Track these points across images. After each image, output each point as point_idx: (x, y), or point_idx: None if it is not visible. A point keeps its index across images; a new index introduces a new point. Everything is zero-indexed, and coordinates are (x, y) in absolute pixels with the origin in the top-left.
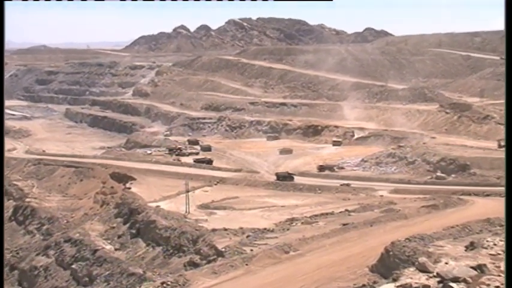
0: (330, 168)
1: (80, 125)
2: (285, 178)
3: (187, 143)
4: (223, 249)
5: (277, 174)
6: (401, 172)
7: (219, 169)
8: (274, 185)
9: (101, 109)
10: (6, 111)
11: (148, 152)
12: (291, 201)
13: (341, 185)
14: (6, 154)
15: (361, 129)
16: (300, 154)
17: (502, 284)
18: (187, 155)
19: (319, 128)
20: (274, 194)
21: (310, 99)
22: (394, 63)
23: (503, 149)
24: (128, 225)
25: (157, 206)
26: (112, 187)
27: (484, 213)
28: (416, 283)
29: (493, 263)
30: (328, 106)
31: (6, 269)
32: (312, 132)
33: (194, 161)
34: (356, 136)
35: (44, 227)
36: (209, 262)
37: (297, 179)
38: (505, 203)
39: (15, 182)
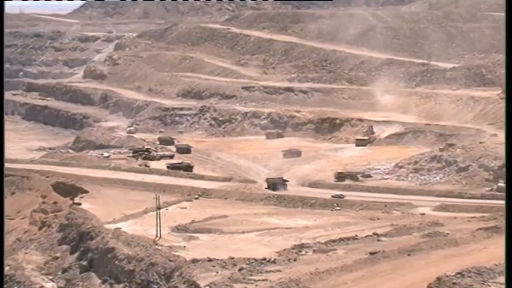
0: (352, 176)
1: (12, 118)
2: (275, 186)
3: (158, 142)
4: None
5: (268, 181)
6: (449, 182)
7: (201, 178)
8: (277, 199)
9: (40, 96)
10: None
11: (105, 154)
12: (300, 222)
13: (333, 196)
14: None
15: (395, 123)
16: (312, 157)
17: None
18: (158, 159)
19: (338, 121)
20: (277, 211)
21: (325, 82)
22: (440, 34)
23: None
24: (76, 254)
25: (118, 229)
26: (55, 203)
27: None
28: None
29: None
30: (349, 92)
31: None
32: (328, 127)
33: (168, 167)
34: (388, 133)
35: None
36: None
37: (309, 191)
38: (505, 203)
39: None
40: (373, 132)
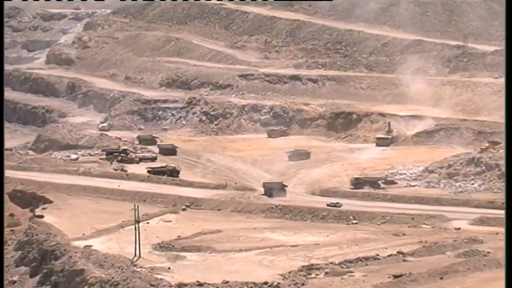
0: (373, 182)
1: None
2: (271, 192)
3: (137, 141)
4: None
5: (264, 186)
6: (490, 190)
7: (189, 184)
8: (281, 210)
9: None
10: None
11: (73, 156)
12: (309, 238)
13: (328, 205)
14: None
15: (424, 118)
16: (323, 160)
17: None
18: (138, 162)
19: (354, 116)
20: (281, 225)
21: (340, 69)
22: (479, 10)
23: None
24: (37, 278)
25: (88, 247)
26: (12, 215)
27: None
28: None
29: None
30: (368, 81)
31: None
32: (343, 123)
33: (149, 172)
34: (415, 130)
35: None
36: None
37: (320, 201)
38: (505, 203)
39: None
40: (390, 130)
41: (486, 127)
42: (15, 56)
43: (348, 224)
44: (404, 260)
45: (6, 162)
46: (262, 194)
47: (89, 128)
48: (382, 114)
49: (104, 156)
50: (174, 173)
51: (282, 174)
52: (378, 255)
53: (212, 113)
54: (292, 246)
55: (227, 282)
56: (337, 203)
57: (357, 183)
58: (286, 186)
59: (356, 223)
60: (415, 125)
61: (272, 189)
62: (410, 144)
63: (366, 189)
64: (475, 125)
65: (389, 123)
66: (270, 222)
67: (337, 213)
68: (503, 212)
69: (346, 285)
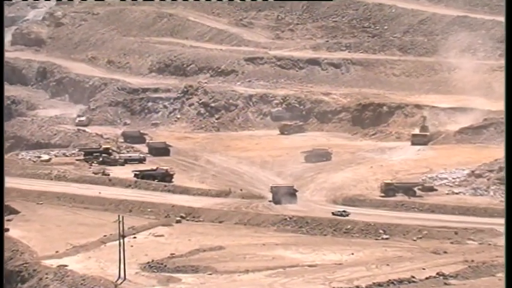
0: (407, 189)
1: None
2: (278, 198)
3: (122, 139)
4: None
5: (271, 190)
6: None
7: (185, 191)
8: (296, 222)
9: None
10: None
11: (45, 157)
12: (329, 256)
13: (333, 213)
14: None
15: (470, 111)
16: (347, 161)
17: None
18: (123, 164)
19: (385, 109)
20: (296, 240)
21: (368, 51)
22: None
23: None
24: None
25: (62, 266)
26: None
27: None
28: None
29: None
30: (402, 65)
31: None
32: (371, 117)
33: (136, 175)
34: (459, 125)
35: None
36: None
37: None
38: (505, 203)
39: None
40: (426, 126)
41: None
42: None
43: (377, 239)
44: (445, 284)
45: None
46: (270, 201)
47: (64, 122)
48: (419, 106)
49: (82, 157)
50: (166, 177)
51: (297, 179)
52: (413, 277)
53: (213, 104)
54: (310, 266)
55: None
56: (344, 211)
57: (388, 189)
58: (297, 191)
59: (387, 238)
60: (458, 119)
61: (280, 194)
62: (453, 142)
63: (399, 197)
64: None
65: (424, 117)
66: (283, 237)
67: (364, 226)
68: None
69: None
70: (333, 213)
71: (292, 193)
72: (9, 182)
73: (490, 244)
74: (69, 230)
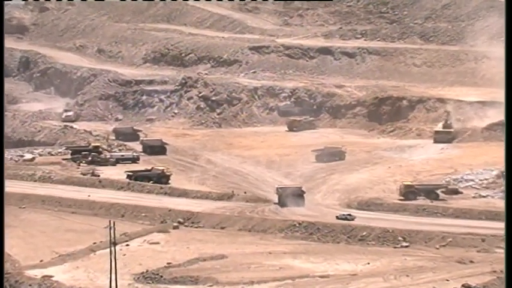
0: (429, 191)
1: None
2: (284, 200)
3: (113, 136)
4: None
5: (278, 192)
6: None
7: (183, 194)
8: (306, 228)
9: None
10: None
11: (28, 156)
12: (343, 266)
13: (338, 217)
14: None
15: (499, 105)
16: (363, 161)
17: None
18: (114, 164)
19: (405, 103)
20: (306, 248)
21: (385, 39)
22: None
23: None
24: None
25: (47, 277)
26: None
27: None
28: None
29: None
30: (424, 54)
31: None
32: (389, 112)
33: (129, 177)
34: (487, 121)
35: None
36: None
37: (358, 217)
38: (505, 203)
39: None
40: (449, 123)
41: None
42: None
43: (395, 247)
44: None
45: None
46: (275, 203)
47: (49, 118)
48: (442, 100)
49: (69, 156)
50: (162, 178)
51: (308, 180)
52: None
53: (214, 98)
54: (321, 277)
55: None
56: (349, 214)
57: (408, 192)
58: (305, 192)
59: (407, 246)
60: (486, 114)
61: (286, 196)
62: (480, 140)
63: (420, 201)
64: None
65: (448, 112)
66: (292, 245)
67: (381, 232)
68: None
69: None
70: (337, 217)
71: (299, 195)
72: None
73: None
74: (54, 237)
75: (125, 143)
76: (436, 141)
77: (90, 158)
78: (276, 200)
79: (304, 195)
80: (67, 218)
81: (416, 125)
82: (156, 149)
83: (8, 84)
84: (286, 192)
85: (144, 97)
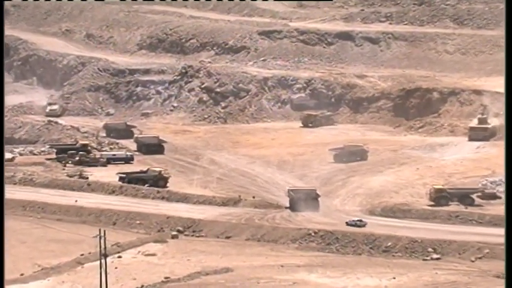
0: (463, 196)
1: None
2: (295, 203)
3: (104, 133)
4: None
5: (289, 194)
6: None
7: (183, 199)
8: (323, 238)
9: None
10: None
11: (8, 156)
12: (365, 281)
13: (348, 223)
14: None
15: None
16: (388, 161)
17: None
18: (105, 164)
19: (436, 95)
20: (323, 261)
21: (413, 22)
22: None
23: None
24: None
25: None
26: None
27: None
28: None
29: None
30: (457, 40)
31: None
32: (418, 106)
33: (122, 179)
34: None
35: None
36: None
37: (383, 224)
38: (505, 203)
39: None
40: (485, 119)
41: None
42: None
43: (425, 259)
44: None
45: None
46: (286, 207)
47: (31, 112)
48: (478, 92)
49: (54, 156)
50: (159, 180)
51: (325, 183)
52: None
53: (218, 89)
54: None
55: None
56: (360, 220)
57: (440, 197)
58: (319, 195)
59: (438, 259)
60: None
61: (298, 199)
62: None
63: (453, 207)
64: None
65: (485, 106)
66: (307, 257)
67: (408, 243)
68: None
69: None
70: (347, 223)
71: (313, 198)
72: None
73: None
74: (37, 248)
75: (117, 140)
76: (471, 139)
77: (77, 158)
78: (288, 204)
79: (319, 198)
80: (51, 226)
81: (449, 120)
82: (153, 147)
83: None
84: (298, 194)
85: (138, 88)
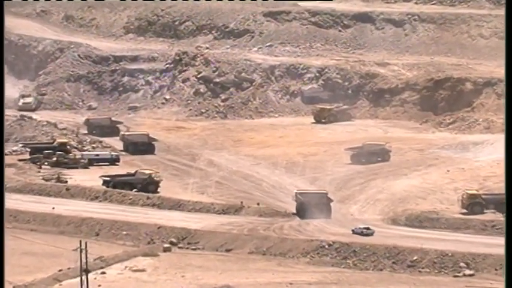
0: (500, 203)
1: None
2: (303, 208)
3: (85, 129)
4: None
5: (297, 198)
6: None
7: (177, 206)
8: (338, 251)
9: None
10: None
11: None
12: None
13: (354, 231)
14: None
15: None
16: (413, 162)
17: None
18: (86, 166)
19: (468, 86)
20: (338, 278)
21: (442, 2)
22: None
23: None
24: None
25: None
26: None
27: None
28: None
29: None
30: (494, 23)
31: None
32: (448, 99)
33: (106, 183)
34: None
35: None
36: None
37: (407, 235)
38: (506, 203)
39: None
40: None
41: None
42: None
43: (456, 275)
44: None
45: None
46: (294, 213)
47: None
48: None
49: (28, 156)
50: (149, 185)
51: (340, 188)
52: None
53: (217, 79)
54: None
55: None
56: (366, 228)
57: (473, 203)
58: (332, 200)
59: (471, 275)
60: None
61: (306, 204)
62: None
63: (489, 215)
64: None
65: None
66: (319, 273)
67: (437, 257)
68: None
69: None
70: (353, 231)
71: (325, 203)
72: None
73: None
74: (8, 262)
75: (101, 138)
76: None
77: (54, 159)
78: (295, 210)
79: (331, 203)
80: (24, 237)
81: (484, 115)
82: (142, 146)
83: None
84: (307, 199)
85: (125, 78)
